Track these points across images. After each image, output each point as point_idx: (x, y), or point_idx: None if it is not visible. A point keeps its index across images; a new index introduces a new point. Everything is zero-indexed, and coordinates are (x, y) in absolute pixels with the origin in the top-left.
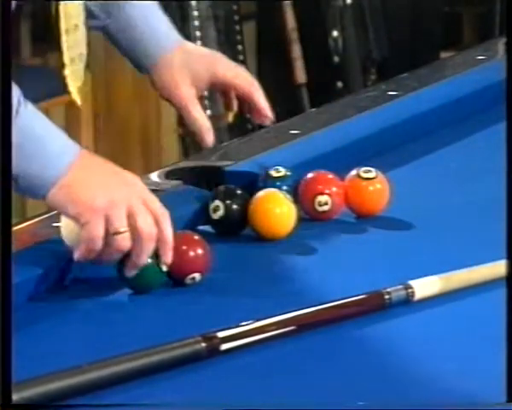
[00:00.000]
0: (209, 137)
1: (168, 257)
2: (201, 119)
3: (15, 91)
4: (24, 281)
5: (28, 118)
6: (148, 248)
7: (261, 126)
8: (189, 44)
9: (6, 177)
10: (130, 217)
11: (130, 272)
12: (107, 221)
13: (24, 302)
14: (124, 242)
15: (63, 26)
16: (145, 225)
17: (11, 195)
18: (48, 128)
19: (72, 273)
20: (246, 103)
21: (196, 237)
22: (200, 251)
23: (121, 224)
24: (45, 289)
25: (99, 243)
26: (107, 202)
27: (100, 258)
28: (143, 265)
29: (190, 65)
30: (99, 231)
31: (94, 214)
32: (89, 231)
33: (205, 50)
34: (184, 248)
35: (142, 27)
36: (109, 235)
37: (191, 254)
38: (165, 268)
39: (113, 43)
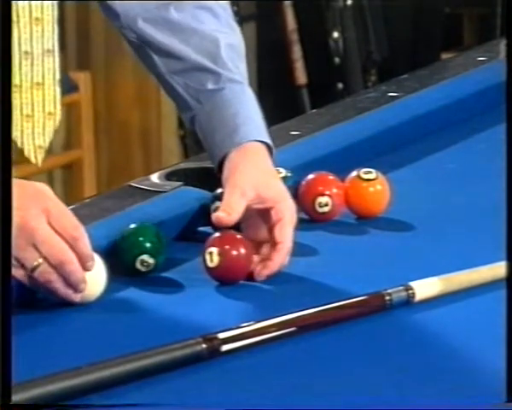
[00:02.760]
0: (220, 216)
1: (88, 266)
2: (229, 201)
3: None
4: None
5: None
6: (70, 269)
7: None
8: (258, 147)
9: (6, 177)
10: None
11: (80, 288)
12: (20, 263)
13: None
14: (46, 274)
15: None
16: (51, 252)
17: (11, 195)
18: None
19: None
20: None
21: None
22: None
23: (31, 260)
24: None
25: (28, 283)
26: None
27: (58, 293)
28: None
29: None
30: (17, 276)
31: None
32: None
33: (267, 164)
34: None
35: (227, 115)
36: (30, 273)
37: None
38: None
39: (195, 130)
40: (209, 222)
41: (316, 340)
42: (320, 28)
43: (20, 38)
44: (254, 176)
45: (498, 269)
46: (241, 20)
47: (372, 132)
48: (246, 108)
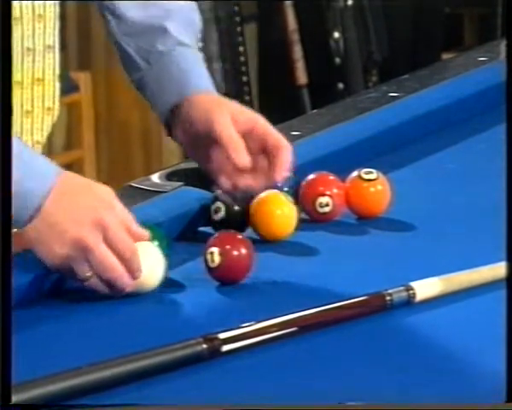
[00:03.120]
0: (241, 160)
1: (136, 276)
2: (230, 142)
3: None
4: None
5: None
6: (120, 283)
7: None
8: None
9: (6, 178)
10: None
11: (125, 292)
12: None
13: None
14: (95, 285)
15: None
16: (104, 272)
17: (11, 195)
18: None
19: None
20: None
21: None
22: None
23: (83, 272)
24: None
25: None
26: (64, 258)
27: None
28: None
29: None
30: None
31: (53, 269)
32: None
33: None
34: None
35: (176, 72)
36: (80, 281)
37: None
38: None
39: (143, 92)
40: (210, 222)
41: (316, 340)
42: (321, 28)
43: (22, 35)
44: (226, 108)
45: (498, 269)
46: (242, 20)
47: (372, 132)
48: (196, 69)
